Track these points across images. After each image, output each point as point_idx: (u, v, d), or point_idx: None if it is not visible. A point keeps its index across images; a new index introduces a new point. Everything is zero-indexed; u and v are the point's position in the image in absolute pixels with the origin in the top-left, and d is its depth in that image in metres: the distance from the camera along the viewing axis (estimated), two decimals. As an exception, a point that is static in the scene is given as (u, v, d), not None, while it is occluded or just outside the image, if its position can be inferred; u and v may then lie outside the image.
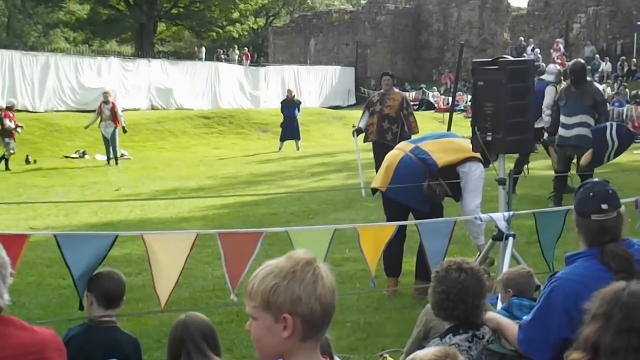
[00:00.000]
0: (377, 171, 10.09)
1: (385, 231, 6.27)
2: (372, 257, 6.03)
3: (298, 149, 27.31)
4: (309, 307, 2.50)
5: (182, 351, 4.48)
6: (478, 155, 8.11)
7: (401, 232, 7.99)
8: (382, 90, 15.77)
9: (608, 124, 13.22)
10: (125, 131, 24.05)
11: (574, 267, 4.10)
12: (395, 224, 6.54)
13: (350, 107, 45.11)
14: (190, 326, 4.52)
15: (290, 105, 27.98)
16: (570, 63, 17.25)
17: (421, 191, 8.20)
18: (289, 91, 29.71)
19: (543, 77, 15.40)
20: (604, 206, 4.05)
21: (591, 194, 4.12)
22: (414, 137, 12.96)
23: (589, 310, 3.24)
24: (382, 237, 6.13)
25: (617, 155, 12.92)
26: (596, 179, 4.30)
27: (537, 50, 43.80)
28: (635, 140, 17.64)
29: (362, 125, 15.56)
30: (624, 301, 3.15)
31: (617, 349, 3.07)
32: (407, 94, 30.05)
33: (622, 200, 6.83)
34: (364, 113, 15.79)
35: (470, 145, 7.83)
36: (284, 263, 2.57)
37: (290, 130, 27.61)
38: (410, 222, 7.51)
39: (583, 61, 15.11)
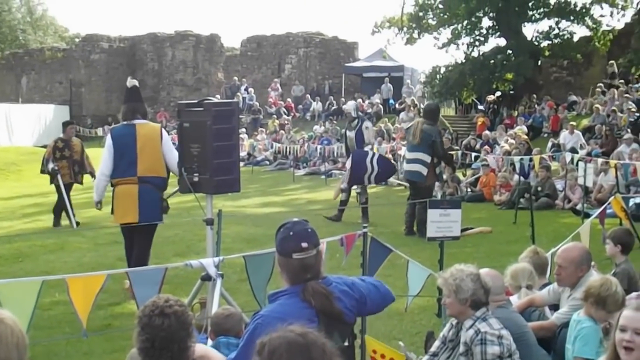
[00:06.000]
0: None
1: (96, 280, 6.05)
2: (82, 308, 5.80)
3: None
4: None
5: None
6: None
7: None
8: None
9: (371, 152, 15.83)
10: None
11: (276, 305, 4.18)
12: (105, 273, 6.38)
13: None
14: None
15: None
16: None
17: (160, 208, 9.78)
18: None
19: None
20: (304, 244, 4.15)
21: (291, 233, 4.22)
22: None
23: None
24: (92, 287, 5.91)
25: (376, 180, 15.58)
26: (295, 219, 4.37)
27: (251, 90, 44.90)
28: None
29: None
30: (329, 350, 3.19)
31: None
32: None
33: (328, 238, 7.13)
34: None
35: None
36: None
37: None
38: (121, 270, 7.37)
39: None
